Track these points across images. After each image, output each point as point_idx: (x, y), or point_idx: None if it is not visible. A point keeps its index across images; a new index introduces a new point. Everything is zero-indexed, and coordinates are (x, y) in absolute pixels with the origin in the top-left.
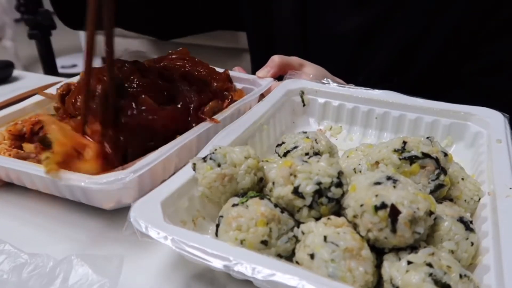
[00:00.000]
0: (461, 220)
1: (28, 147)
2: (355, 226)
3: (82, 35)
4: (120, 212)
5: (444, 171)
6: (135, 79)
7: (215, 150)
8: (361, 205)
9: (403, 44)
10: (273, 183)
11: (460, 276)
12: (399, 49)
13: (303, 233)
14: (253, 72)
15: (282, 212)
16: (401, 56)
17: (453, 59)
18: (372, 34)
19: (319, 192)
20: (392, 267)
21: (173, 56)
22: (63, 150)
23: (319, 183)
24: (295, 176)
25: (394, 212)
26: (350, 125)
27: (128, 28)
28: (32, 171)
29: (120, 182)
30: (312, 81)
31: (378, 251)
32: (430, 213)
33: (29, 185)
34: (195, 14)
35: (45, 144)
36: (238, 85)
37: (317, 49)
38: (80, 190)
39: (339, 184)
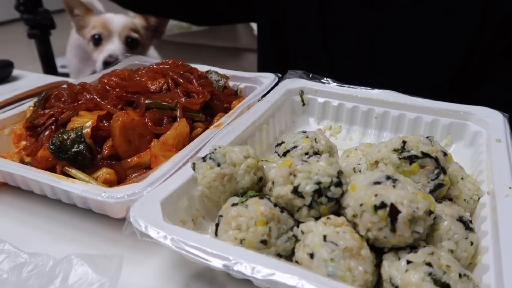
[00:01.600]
0: (460, 219)
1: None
2: (354, 226)
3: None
4: None
5: (443, 170)
6: None
7: (215, 149)
8: (361, 205)
9: (420, 45)
10: (273, 182)
11: (460, 275)
12: (416, 50)
13: (302, 232)
14: (260, 68)
15: (281, 211)
16: (417, 58)
17: (472, 69)
18: (388, 33)
19: (319, 191)
20: (392, 267)
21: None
22: None
23: (318, 183)
24: (294, 175)
25: (393, 212)
26: (350, 124)
27: (163, 15)
28: (45, 181)
29: (137, 196)
30: (312, 81)
31: (378, 251)
32: (430, 212)
33: (37, 191)
34: (224, 4)
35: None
36: (241, 85)
37: (335, 43)
38: (95, 202)
39: (339, 184)
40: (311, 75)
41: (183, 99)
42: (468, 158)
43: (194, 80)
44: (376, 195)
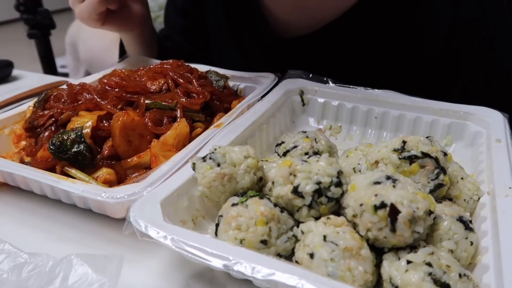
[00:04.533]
0: (460, 219)
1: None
2: (354, 226)
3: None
4: None
5: (443, 170)
6: None
7: (215, 149)
8: (361, 205)
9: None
10: (273, 182)
11: (460, 275)
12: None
13: (302, 232)
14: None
15: (281, 211)
16: (397, 54)
17: (453, 58)
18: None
19: (319, 191)
20: (392, 267)
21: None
22: None
23: (318, 183)
24: (294, 175)
25: (393, 212)
26: (350, 124)
27: None
28: (45, 181)
29: (137, 196)
30: (311, 81)
31: (378, 251)
32: (430, 212)
33: (37, 191)
34: None
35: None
36: (241, 85)
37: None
38: (95, 202)
39: (339, 184)
40: (311, 75)
41: (183, 99)
42: (468, 158)
43: (194, 80)
44: (376, 195)
